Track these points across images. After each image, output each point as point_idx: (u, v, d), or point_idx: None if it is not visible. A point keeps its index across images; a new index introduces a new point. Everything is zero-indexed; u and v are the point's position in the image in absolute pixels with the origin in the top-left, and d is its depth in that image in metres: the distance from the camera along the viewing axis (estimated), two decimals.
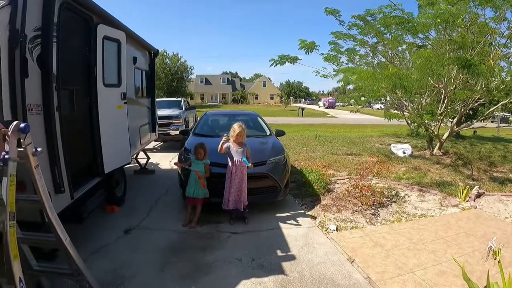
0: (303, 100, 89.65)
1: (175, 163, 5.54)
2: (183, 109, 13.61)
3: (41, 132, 3.51)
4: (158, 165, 9.45)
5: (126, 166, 5.93)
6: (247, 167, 5.00)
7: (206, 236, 4.70)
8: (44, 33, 3.47)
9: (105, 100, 4.94)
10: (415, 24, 8.19)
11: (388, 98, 12.08)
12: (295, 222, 5.20)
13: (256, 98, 78.32)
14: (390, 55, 10.66)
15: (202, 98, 73.46)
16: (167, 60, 55.17)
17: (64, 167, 3.83)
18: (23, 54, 3.15)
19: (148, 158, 8.77)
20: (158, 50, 8.67)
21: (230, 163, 5.08)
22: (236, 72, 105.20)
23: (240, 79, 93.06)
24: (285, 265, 3.90)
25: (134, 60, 6.79)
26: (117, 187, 5.80)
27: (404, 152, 10.55)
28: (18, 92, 3.16)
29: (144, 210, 5.69)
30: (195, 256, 4.14)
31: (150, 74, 8.41)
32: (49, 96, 3.55)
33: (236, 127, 5.14)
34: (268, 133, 7.31)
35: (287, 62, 9.68)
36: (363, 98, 13.36)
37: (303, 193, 6.54)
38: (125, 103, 5.54)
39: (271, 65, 9.67)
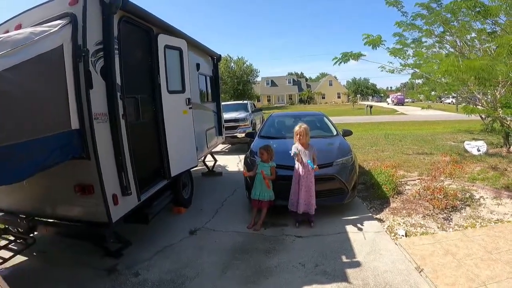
0: (370, 97, 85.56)
1: (244, 173, 5.45)
2: (250, 112, 13.69)
3: (108, 139, 3.67)
4: (226, 167, 9.57)
5: (193, 169, 6.05)
6: (313, 169, 4.80)
7: (270, 239, 4.58)
8: (106, 47, 3.63)
9: (170, 106, 5.08)
10: (487, 8, 7.29)
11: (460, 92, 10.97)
12: (362, 226, 4.87)
13: (323, 97, 76.71)
14: (459, 44, 9.66)
15: (268, 100, 73.70)
16: (232, 64, 56.25)
17: (131, 171, 3.98)
18: (87, 67, 3.33)
19: (216, 160, 8.94)
20: (220, 55, 8.77)
21: (296, 165, 4.91)
22: (301, 73, 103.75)
23: (306, 79, 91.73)
24: (349, 272, 3.64)
25: (197, 66, 6.93)
26: (184, 189, 5.93)
27: (478, 150, 9.45)
28: (84, 102, 3.35)
29: (210, 211, 5.74)
30: (258, 259, 4.05)
31: (214, 79, 8.56)
32: (114, 105, 3.70)
33: (296, 128, 4.99)
34: (334, 133, 6.96)
35: (350, 59, 9.22)
36: (433, 93, 12.29)
37: (371, 195, 6.14)
38: (190, 108, 5.65)
39: (335, 63, 9.28)
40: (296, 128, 4.99)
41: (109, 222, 3.62)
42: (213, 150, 8.69)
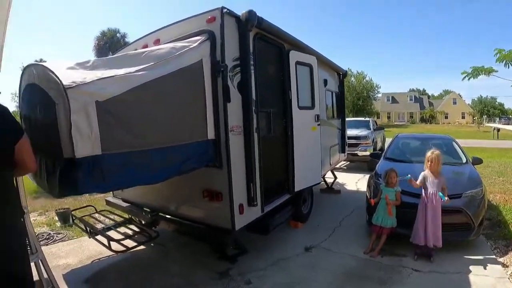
0: (497, 119, 72.73)
1: (368, 199, 5.06)
2: (371, 130, 12.85)
3: (240, 151, 3.72)
4: (344, 185, 9.06)
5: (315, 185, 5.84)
6: (442, 200, 4.20)
7: (386, 269, 4.11)
8: (242, 62, 3.69)
9: (299, 122, 4.99)
10: None
11: None
12: (483, 269, 4.08)
13: (446, 117, 68.00)
14: None
15: (388, 117, 68.73)
16: (352, 78, 54.29)
17: (258, 183, 3.97)
18: (225, 82, 3.41)
19: (335, 178, 8.55)
20: (346, 71, 8.47)
21: (423, 194, 4.35)
22: (423, 89, 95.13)
23: (428, 97, 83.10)
24: None
25: (325, 82, 6.76)
26: (304, 205, 5.74)
27: None
28: (221, 115, 3.44)
29: (327, 230, 5.44)
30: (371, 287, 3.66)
31: (340, 95, 8.27)
32: (249, 119, 3.75)
33: (428, 154, 4.47)
34: (464, 160, 6.04)
35: (481, 74, 7.99)
36: None
37: (496, 234, 5.14)
38: (318, 125, 5.51)
39: (464, 78, 8.06)
40: (428, 153, 4.48)
41: (233, 229, 3.64)
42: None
